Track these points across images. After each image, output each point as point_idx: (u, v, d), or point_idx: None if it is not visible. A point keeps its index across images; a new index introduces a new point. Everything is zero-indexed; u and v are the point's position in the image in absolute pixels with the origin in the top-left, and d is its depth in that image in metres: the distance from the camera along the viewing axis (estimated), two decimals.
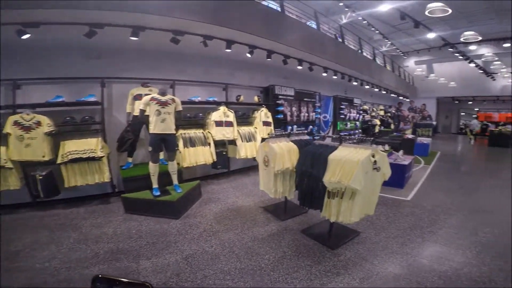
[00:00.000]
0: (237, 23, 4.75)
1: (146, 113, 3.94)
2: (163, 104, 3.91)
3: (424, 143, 9.21)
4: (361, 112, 12.66)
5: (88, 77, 4.54)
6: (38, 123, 4.11)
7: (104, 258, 2.80)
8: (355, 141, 3.06)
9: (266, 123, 6.31)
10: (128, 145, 4.63)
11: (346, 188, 2.57)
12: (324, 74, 8.28)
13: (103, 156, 4.30)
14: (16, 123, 3.97)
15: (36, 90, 4.32)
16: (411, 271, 2.56)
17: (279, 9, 6.21)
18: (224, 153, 5.71)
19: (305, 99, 8.07)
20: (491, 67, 12.57)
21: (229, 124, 5.53)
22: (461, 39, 7.30)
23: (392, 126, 15.66)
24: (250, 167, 6.60)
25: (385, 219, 3.83)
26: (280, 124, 7.11)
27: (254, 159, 5.60)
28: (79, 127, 4.50)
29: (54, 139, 4.19)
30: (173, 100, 4.04)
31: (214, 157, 5.33)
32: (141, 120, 4.24)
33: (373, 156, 2.60)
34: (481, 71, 14.25)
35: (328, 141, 3.49)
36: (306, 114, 7.88)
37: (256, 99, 6.46)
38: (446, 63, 16.15)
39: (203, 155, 5.17)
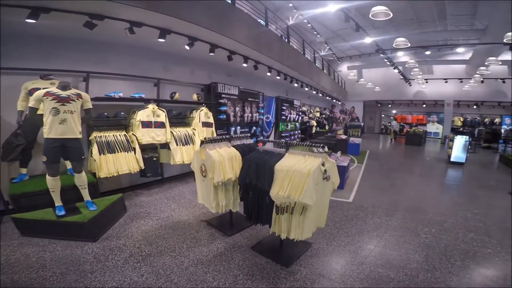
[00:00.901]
0: (174, 9, 3.96)
1: (40, 112, 3.00)
2: (63, 100, 2.96)
3: (355, 143, 9.92)
4: (301, 113, 13.07)
5: None
6: None
7: None
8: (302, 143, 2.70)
9: (206, 124, 5.66)
10: (18, 153, 3.43)
11: (296, 203, 2.18)
12: (269, 74, 8.02)
13: None
14: None
15: None
16: (370, 283, 2.40)
17: (229, 0, 5.62)
18: (154, 159, 4.85)
19: (249, 99, 7.68)
20: (411, 73, 14.40)
21: (160, 125, 4.70)
22: (394, 45, 7.99)
23: (327, 127, 16.97)
24: (188, 173, 5.86)
25: (333, 225, 3.67)
26: (223, 125, 6.54)
27: None
28: None
29: None
30: (79, 96, 3.13)
31: (141, 164, 4.44)
32: (34, 122, 3.18)
33: (323, 165, 2.27)
34: (402, 77, 16.29)
35: (269, 146, 3.09)
36: (250, 114, 7.49)
37: (195, 97, 5.73)
38: (374, 69, 18.03)
39: (126, 163, 4.23)
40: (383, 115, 23.36)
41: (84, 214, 3.11)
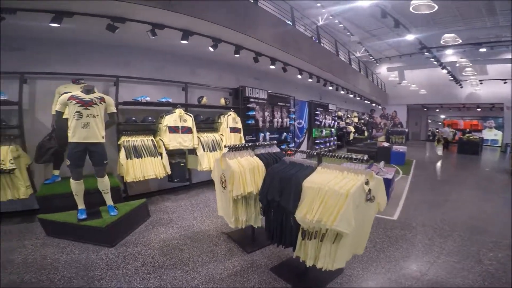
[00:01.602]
0: (193, 9, 3.87)
1: (66, 116, 3.03)
2: (86, 104, 2.96)
3: (400, 152, 8.91)
4: (336, 118, 12.35)
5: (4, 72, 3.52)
6: None
7: None
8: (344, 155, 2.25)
9: (234, 130, 5.46)
10: (50, 155, 3.57)
11: (329, 229, 1.78)
12: (299, 76, 7.63)
13: (14, 169, 3.32)
14: None
15: None
16: None
17: None
18: (181, 164, 4.76)
19: (279, 103, 7.36)
20: (462, 73, 12.77)
21: (186, 130, 4.61)
22: (441, 42, 7.06)
23: (366, 134, 15.80)
24: None
25: (372, 247, 3.12)
26: (251, 131, 6.31)
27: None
28: None
29: None
30: (102, 100, 3.11)
31: (168, 170, 4.37)
32: (64, 125, 3.24)
33: (366, 184, 1.82)
34: (451, 78, 14.54)
35: (299, 156, 2.72)
36: (280, 120, 7.15)
37: (222, 101, 5.60)
38: (417, 70, 16.49)
39: (153, 168, 4.19)
40: (429, 121, 21.25)
41: (104, 219, 3.06)
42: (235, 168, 2.46)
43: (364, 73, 14.32)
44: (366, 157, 1.97)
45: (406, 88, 16.78)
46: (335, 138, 12.00)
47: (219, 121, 5.44)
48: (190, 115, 4.69)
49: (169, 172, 4.40)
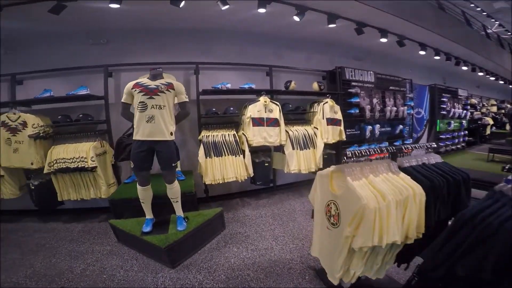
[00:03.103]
0: None
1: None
2: (151, 92, 2.37)
3: None
4: (468, 107, 9.14)
5: (87, 66, 3.58)
6: (24, 124, 3.34)
7: None
8: None
9: (332, 121, 4.23)
10: (127, 152, 3.30)
11: None
12: (422, 53, 5.57)
13: (96, 167, 3.21)
14: (3, 124, 3.27)
15: (37, 85, 3.57)
16: None
17: None
18: (266, 164, 3.90)
19: (391, 88, 5.60)
20: None
21: (273, 122, 3.71)
22: None
23: (507, 127, 11.41)
24: (303, 182, 4.64)
25: None
26: (354, 123, 4.89)
27: (313, 172, 3.69)
28: (73, 129, 3.55)
29: (48, 143, 3.40)
30: (171, 86, 2.47)
31: (250, 171, 3.58)
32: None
33: None
34: None
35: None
36: (394, 108, 5.37)
37: (316, 86, 4.44)
38: None
39: (234, 169, 3.47)
40: None
41: (168, 235, 2.45)
42: (370, 202, 1.28)
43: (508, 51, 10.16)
44: None
45: None
46: (465, 132, 8.92)
47: (312, 110, 4.31)
48: (276, 104, 3.78)
49: (252, 174, 3.60)
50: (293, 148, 3.81)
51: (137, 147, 2.38)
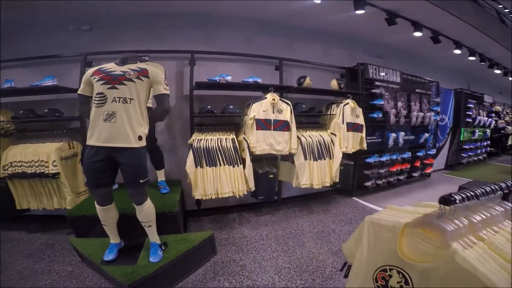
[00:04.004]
0: None
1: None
2: (114, 80, 1.69)
3: None
4: (493, 115, 8.36)
5: (62, 55, 3.04)
6: None
7: None
8: None
9: (354, 127, 3.54)
10: None
11: None
12: (457, 52, 4.82)
13: (58, 173, 2.58)
14: None
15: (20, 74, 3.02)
16: None
17: None
18: (271, 176, 3.21)
19: (417, 91, 4.87)
20: None
21: (282, 125, 3.03)
22: None
23: None
24: (312, 195, 3.99)
25: None
26: (375, 129, 4.18)
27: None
28: (43, 125, 2.95)
29: (10, 141, 2.81)
30: (144, 73, 1.78)
31: (251, 185, 2.90)
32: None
33: None
34: None
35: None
36: (421, 114, 4.62)
37: (334, 84, 3.73)
38: None
39: (230, 182, 2.79)
40: None
41: (135, 268, 1.79)
42: None
43: None
44: None
45: None
46: (488, 142, 8.16)
47: (330, 112, 3.61)
48: (287, 103, 3.09)
49: (253, 189, 2.92)
50: (305, 158, 3.12)
51: (91, 156, 1.71)
